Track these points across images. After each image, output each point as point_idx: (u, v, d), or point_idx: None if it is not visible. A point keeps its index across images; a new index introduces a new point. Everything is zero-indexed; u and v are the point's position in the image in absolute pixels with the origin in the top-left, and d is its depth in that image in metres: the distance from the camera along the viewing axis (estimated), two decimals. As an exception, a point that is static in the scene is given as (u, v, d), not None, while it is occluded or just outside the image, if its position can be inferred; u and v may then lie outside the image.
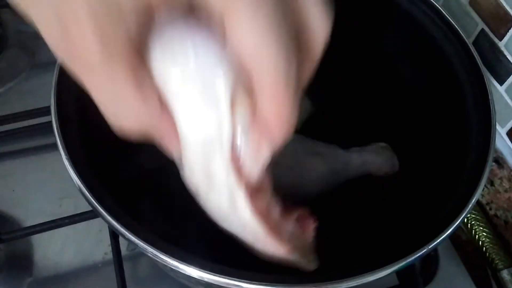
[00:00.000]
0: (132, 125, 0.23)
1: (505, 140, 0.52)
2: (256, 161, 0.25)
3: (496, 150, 0.53)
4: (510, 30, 0.47)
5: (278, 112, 0.22)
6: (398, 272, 0.41)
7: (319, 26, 0.23)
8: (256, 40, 0.20)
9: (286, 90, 0.21)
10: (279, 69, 0.21)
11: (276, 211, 0.29)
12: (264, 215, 0.28)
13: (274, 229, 0.28)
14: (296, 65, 0.21)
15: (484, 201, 0.56)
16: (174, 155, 0.25)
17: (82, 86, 0.23)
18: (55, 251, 0.48)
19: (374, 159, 0.43)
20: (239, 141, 0.24)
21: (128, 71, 0.21)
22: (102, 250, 0.49)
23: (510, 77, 0.49)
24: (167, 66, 0.23)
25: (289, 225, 0.30)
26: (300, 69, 0.23)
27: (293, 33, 0.21)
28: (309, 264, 0.32)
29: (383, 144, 0.44)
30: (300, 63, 0.22)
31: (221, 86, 0.23)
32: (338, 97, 0.47)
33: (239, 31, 0.20)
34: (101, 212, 0.31)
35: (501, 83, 0.50)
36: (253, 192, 0.27)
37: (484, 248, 0.52)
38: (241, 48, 0.20)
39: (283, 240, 0.29)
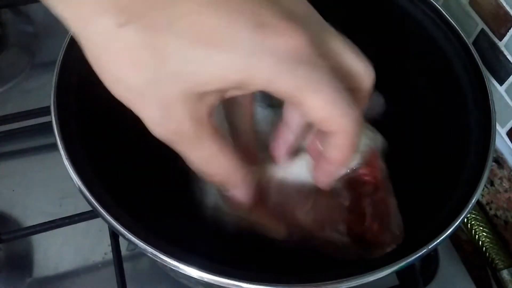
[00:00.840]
0: (214, 173, 0.29)
1: (505, 140, 0.52)
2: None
3: (496, 150, 0.53)
4: (510, 30, 0.47)
5: (342, 160, 0.28)
6: (398, 272, 0.41)
7: (364, 72, 0.28)
8: (329, 109, 0.25)
9: (355, 140, 0.27)
10: (348, 123, 0.26)
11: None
12: None
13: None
14: (358, 111, 0.26)
15: (484, 201, 0.56)
16: (239, 199, 0.31)
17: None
18: (55, 251, 0.48)
19: None
20: None
21: (212, 137, 0.27)
22: (102, 250, 0.49)
23: (510, 77, 0.49)
24: None
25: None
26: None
27: (348, 88, 0.26)
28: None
29: None
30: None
31: None
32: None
33: (316, 106, 0.25)
34: (101, 212, 0.31)
35: (501, 83, 0.50)
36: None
37: (484, 248, 0.52)
38: (318, 117, 0.26)
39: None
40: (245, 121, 0.34)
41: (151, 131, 0.27)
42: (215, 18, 0.24)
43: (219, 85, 0.25)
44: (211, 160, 0.28)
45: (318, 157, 0.31)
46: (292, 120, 0.32)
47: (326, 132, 0.27)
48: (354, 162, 0.36)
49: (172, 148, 0.27)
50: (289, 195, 0.36)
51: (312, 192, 0.35)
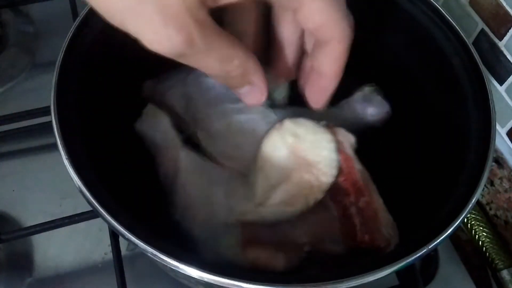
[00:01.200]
0: (230, 70, 0.29)
1: (505, 140, 0.52)
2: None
3: (496, 150, 0.53)
4: (510, 30, 0.47)
5: (336, 70, 0.29)
6: (398, 272, 0.41)
7: None
8: (325, 16, 0.27)
9: (348, 48, 0.28)
10: (345, 28, 0.27)
11: None
12: None
13: None
14: (351, 20, 0.28)
15: (484, 201, 0.56)
16: (257, 90, 0.31)
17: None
18: (55, 251, 0.48)
19: (364, 109, 0.43)
20: None
21: (221, 38, 0.27)
22: (102, 250, 0.49)
23: (510, 77, 0.49)
24: None
25: None
26: None
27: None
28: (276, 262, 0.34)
29: (370, 87, 0.44)
30: None
31: None
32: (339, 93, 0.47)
33: (313, 13, 0.26)
34: (101, 212, 0.31)
35: (501, 83, 0.50)
36: None
37: (484, 248, 0.53)
38: (315, 23, 0.27)
39: None
40: (251, 24, 0.33)
41: (157, 50, 0.26)
42: None
43: None
44: (224, 60, 0.28)
45: (310, 79, 0.32)
46: (288, 35, 0.32)
47: (321, 43, 0.28)
48: (334, 171, 0.35)
49: (181, 62, 0.27)
50: (280, 222, 0.36)
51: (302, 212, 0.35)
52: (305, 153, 0.35)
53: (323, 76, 0.30)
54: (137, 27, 0.25)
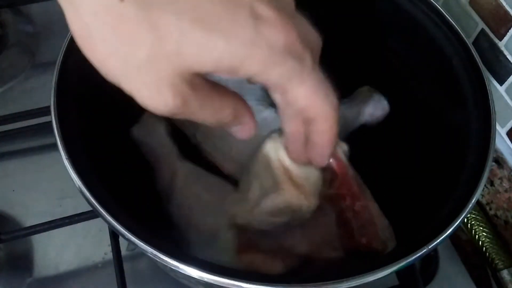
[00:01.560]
0: (222, 118, 0.29)
1: (505, 140, 0.52)
2: None
3: (496, 150, 0.53)
4: (510, 30, 0.47)
5: (328, 142, 0.30)
6: (398, 272, 0.41)
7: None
8: (310, 96, 0.28)
9: (335, 124, 0.30)
10: (329, 109, 0.29)
11: None
12: None
13: None
14: (336, 99, 0.29)
15: (484, 201, 0.56)
16: (248, 128, 0.32)
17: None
18: (55, 251, 0.48)
19: (364, 107, 0.44)
20: None
21: (214, 95, 0.28)
22: (102, 250, 0.49)
23: (510, 77, 0.49)
24: None
25: None
26: None
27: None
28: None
29: (365, 87, 0.45)
30: None
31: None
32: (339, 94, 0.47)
33: (298, 96, 0.28)
34: (101, 212, 0.31)
35: (501, 83, 0.50)
36: None
37: (484, 248, 0.52)
38: (300, 103, 0.28)
39: None
40: None
41: (152, 111, 0.27)
42: (215, 4, 0.24)
43: (213, 69, 0.26)
44: (217, 111, 0.29)
45: (308, 144, 0.32)
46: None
47: (309, 119, 0.29)
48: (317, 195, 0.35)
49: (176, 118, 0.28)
50: (277, 228, 0.36)
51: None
52: (293, 171, 0.35)
53: (317, 145, 0.31)
54: (133, 90, 0.26)
